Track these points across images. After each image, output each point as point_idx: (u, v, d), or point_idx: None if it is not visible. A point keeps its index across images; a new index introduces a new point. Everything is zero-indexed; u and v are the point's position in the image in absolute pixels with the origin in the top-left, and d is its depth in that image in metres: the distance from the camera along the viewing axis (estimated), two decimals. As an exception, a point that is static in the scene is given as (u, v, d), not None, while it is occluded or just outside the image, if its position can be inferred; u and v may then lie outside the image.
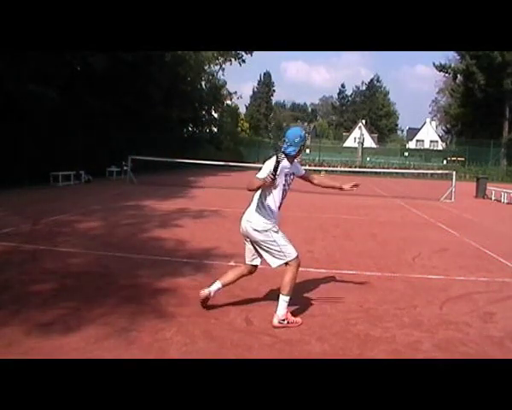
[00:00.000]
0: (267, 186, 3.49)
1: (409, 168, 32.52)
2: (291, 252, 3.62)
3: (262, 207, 3.61)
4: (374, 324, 3.75)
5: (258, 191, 3.61)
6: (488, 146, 34.33)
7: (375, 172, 30.37)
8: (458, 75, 39.86)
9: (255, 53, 35.67)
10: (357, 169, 30.45)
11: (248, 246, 3.75)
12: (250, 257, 3.77)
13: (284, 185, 3.64)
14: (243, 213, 3.74)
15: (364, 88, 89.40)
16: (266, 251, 3.62)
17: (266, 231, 3.58)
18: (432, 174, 26.93)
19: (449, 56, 51.91)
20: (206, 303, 3.86)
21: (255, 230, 3.59)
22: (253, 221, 3.61)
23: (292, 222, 9.13)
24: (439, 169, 31.39)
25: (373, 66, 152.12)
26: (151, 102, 21.64)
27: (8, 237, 6.42)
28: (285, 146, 3.61)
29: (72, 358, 2.84)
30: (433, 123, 71.52)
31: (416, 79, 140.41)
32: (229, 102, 39.40)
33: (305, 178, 3.96)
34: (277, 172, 3.40)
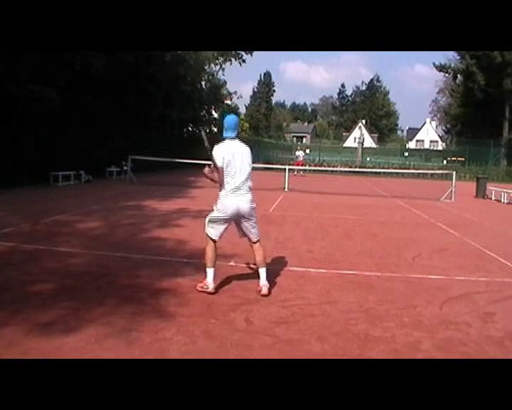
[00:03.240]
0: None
1: (409, 168, 32.39)
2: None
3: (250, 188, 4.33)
4: (374, 324, 3.75)
5: (248, 176, 4.25)
6: (488, 146, 34.27)
7: (375, 172, 30.30)
8: (458, 75, 39.88)
9: (255, 53, 35.64)
10: (357, 169, 30.41)
11: (224, 227, 4.34)
12: (222, 233, 4.39)
13: None
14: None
15: (364, 88, 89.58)
16: (254, 226, 4.36)
17: (254, 208, 4.36)
18: (432, 174, 26.88)
19: (449, 56, 51.80)
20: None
21: (252, 208, 4.29)
22: (250, 201, 4.27)
23: (292, 222, 9.15)
24: (439, 169, 31.31)
25: (373, 66, 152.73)
26: (151, 102, 21.62)
27: (8, 237, 6.42)
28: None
29: (72, 358, 2.85)
30: (433, 123, 71.55)
31: (416, 79, 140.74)
32: (229, 101, 39.34)
33: None
34: None
